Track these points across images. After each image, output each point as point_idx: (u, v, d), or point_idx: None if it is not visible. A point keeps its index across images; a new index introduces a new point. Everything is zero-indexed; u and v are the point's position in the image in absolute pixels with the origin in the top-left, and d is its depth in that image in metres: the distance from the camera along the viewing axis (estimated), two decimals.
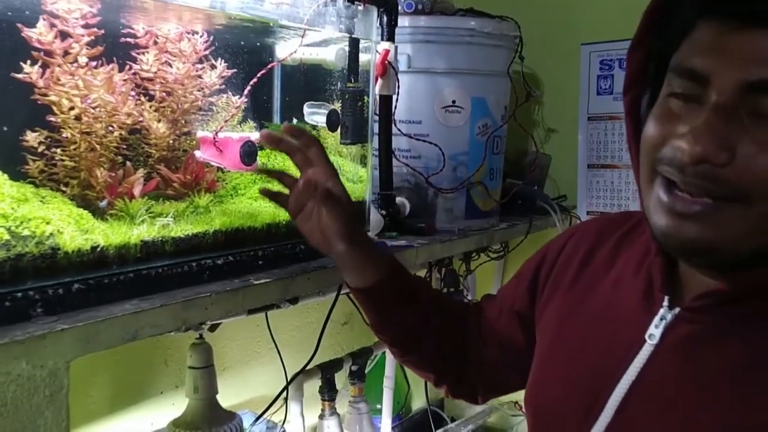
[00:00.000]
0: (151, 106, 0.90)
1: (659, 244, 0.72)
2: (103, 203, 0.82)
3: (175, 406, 1.37)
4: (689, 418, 0.65)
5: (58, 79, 0.78)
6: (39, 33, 0.76)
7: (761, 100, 0.59)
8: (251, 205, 1.00)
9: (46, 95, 0.78)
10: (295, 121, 1.14)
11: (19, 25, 0.74)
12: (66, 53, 0.78)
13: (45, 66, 0.77)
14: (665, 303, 0.71)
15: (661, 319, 0.71)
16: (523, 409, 1.84)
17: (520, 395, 0.92)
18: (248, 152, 0.94)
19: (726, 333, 0.66)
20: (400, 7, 1.28)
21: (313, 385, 1.35)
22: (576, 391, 0.76)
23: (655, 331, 0.70)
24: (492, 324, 1.00)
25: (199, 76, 0.95)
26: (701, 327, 0.68)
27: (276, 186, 0.92)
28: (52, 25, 0.77)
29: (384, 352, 1.60)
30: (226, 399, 1.18)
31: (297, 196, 0.89)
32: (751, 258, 0.64)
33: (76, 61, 0.80)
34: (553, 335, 0.86)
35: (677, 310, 0.70)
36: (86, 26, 0.80)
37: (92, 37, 0.81)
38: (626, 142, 0.76)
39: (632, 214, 0.89)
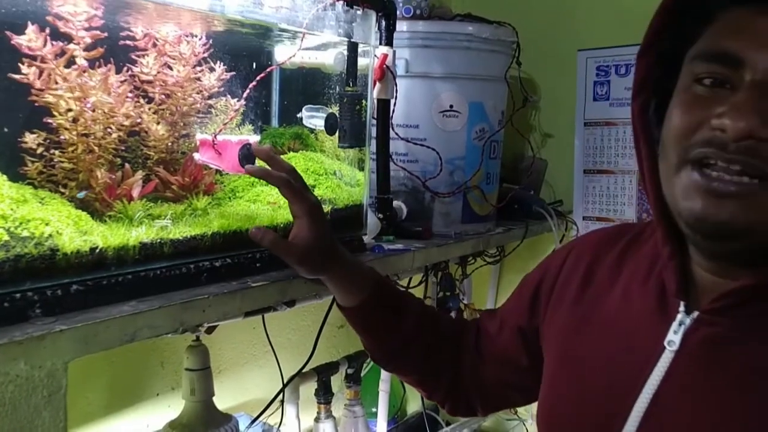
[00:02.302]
0: (150, 109, 0.90)
1: (672, 247, 0.72)
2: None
3: (171, 408, 1.37)
4: (716, 422, 0.64)
5: (56, 81, 0.79)
6: (28, 39, 0.76)
7: None
8: (249, 207, 1.01)
9: (43, 97, 0.78)
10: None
11: (8, 33, 0.74)
12: (61, 54, 0.78)
13: (41, 69, 0.77)
14: (681, 308, 0.70)
15: (680, 324, 0.69)
16: (520, 416, 1.85)
17: None
18: (247, 155, 0.94)
19: (746, 333, 0.66)
20: (398, 12, 1.29)
21: (309, 388, 1.35)
22: (592, 405, 0.75)
23: (674, 337, 0.69)
24: (492, 341, 0.98)
25: (198, 79, 0.95)
26: (721, 329, 0.67)
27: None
28: (51, 28, 0.77)
29: None
30: (222, 401, 1.18)
31: None
32: None
33: (74, 62, 0.80)
34: (562, 352, 0.84)
35: (696, 314, 0.69)
36: (88, 29, 0.80)
37: (93, 40, 0.81)
38: (634, 148, 0.77)
39: (627, 227, 0.89)
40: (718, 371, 0.66)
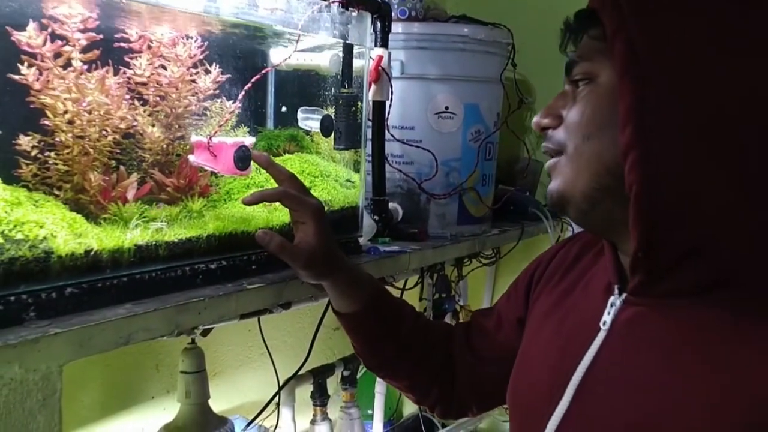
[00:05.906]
0: (144, 111, 0.90)
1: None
2: None
3: (167, 411, 1.37)
4: (638, 398, 0.67)
5: (50, 83, 0.78)
6: (29, 36, 0.76)
7: (572, 72, 0.77)
8: (244, 209, 1.00)
9: (39, 98, 0.78)
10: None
11: (8, 29, 0.74)
12: (57, 56, 0.78)
13: (38, 69, 0.77)
14: (616, 291, 0.75)
15: (611, 306, 0.74)
16: None
17: None
18: (242, 157, 0.94)
19: (662, 312, 0.69)
20: (393, 14, 1.29)
21: (304, 391, 1.35)
22: (542, 383, 0.79)
23: (607, 318, 0.74)
24: (491, 338, 1.00)
25: (193, 81, 0.95)
26: (642, 309, 0.71)
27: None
28: (46, 29, 0.77)
29: None
30: (217, 404, 1.18)
31: None
32: (601, 205, 0.71)
33: (70, 64, 0.80)
34: (529, 337, 0.89)
35: (624, 295, 0.73)
36: (84, 30, 0.80)
37: (89, 41, 0.81)
38: None
39: None
40: (641, 349, 0.70)
